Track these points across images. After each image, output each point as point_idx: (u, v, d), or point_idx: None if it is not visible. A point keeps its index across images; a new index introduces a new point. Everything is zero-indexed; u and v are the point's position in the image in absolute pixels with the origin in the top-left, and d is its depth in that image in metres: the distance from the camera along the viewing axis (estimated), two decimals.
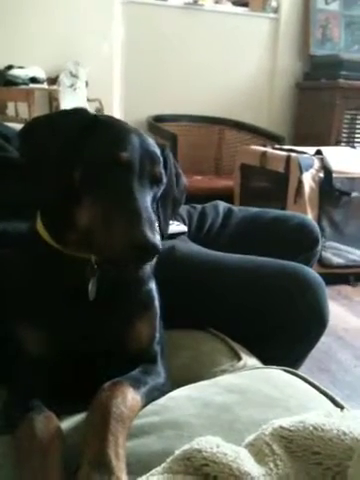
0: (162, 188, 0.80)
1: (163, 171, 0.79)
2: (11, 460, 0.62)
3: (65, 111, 0.85)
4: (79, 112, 0.79)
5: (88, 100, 3.46)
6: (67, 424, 0.69)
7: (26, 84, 3.07)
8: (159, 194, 0.79)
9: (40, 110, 3.26)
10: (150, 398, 0.74)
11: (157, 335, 0.85)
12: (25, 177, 0.78)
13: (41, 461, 0.59)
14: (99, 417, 0.63)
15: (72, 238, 0.76)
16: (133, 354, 0.81)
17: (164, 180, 0.79)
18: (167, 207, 0.87)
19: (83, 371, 0.78)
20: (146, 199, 0.71)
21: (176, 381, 0.83)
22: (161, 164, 0.78)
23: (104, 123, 0.77)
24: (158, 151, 0.79)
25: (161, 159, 0.79)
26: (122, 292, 0.82)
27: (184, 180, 0.94)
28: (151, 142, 0.79)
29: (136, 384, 0.72)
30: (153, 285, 0.87)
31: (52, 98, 3.52)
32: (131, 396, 0.69)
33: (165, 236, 0.87)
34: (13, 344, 0.78)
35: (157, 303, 0.87)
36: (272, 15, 4.11)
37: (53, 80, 3.43)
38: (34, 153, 0.76)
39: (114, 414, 0.63)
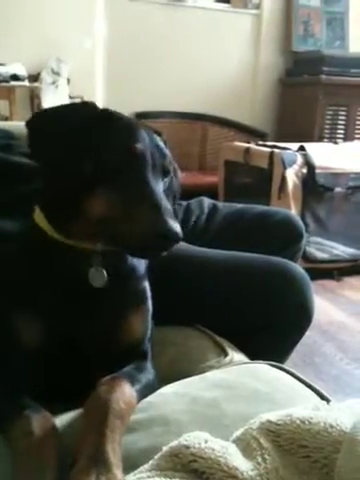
0: (168, 183, 0.81)
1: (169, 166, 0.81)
2: (6, 457, 0.61)
3: (75, 103, 0.87)
4: (88, 104, 0.80)
5: (70, 97, 3.43)
6: (60, 422, 0.68)
7: (7, 81, 3.03)
8: (166, 188, 0.81)
9: (21, 108, 3.22)
10: (143, 395, 0.73)
11: (149, 332, 0.85)
12: (36, 169, 0.78)
13: (37, 461, 0.58)
14: (98, 412, 0.62)
15: (78, 228, 0.76)
16: (125, 349, 0.80)
17: (171, 175, 0.81)
18: (169, 202, 0.88)
19: (75, 368, 0.77)
20: (161, 190, 0.74)
21: (163, 377, 0.83)
22: (169, 158, 0.80)
23: (115, 116, 0.78)
24: (165, 146, 0.81)
25: (169, 154, 0.81)
26: (118, 286, 0.81)
27: (180, 176, 0.94)
28: (158, 138, 0.81)
29: (131, 381, 0.71)
30: (147, 283, 0.88)
31: (33, 95, 3.48)
32: (129, 392, 0.68)
33: None
34: (5, 337, 0.77)
35: (150, 301, 0.87)
36: (254, 11, 4.12)
37: (34, 77, 3.39)
38: (45, 144, 0.75)
39: (113, 410, 0.63)
